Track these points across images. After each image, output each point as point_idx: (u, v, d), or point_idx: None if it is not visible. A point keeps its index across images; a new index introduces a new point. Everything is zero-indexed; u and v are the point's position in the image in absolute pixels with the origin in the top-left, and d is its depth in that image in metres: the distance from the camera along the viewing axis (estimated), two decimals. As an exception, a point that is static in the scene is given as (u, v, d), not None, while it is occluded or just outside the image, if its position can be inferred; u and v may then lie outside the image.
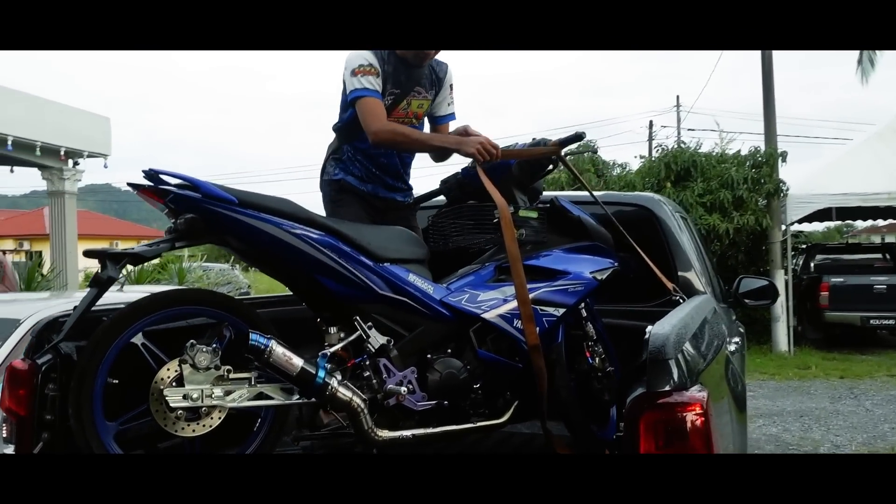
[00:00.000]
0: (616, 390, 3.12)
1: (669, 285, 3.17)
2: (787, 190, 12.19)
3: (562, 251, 2.84)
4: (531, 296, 2.68)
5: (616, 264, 2.91)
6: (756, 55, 12.92)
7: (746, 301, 4.09)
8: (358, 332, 2.46)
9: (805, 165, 12.74)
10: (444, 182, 3.04)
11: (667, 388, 1.74)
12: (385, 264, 2.53)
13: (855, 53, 15.97)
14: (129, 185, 2.35)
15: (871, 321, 12.09)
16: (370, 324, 2.46)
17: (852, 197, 12.43)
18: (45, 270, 10.73)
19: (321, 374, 2.30)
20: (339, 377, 2.39)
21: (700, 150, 12.71)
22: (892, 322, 12.08)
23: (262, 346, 2.22)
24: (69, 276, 12.49)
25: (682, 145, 13.16)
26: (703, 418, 1.67)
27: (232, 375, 2.31)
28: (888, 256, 14.03)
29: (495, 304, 2.64)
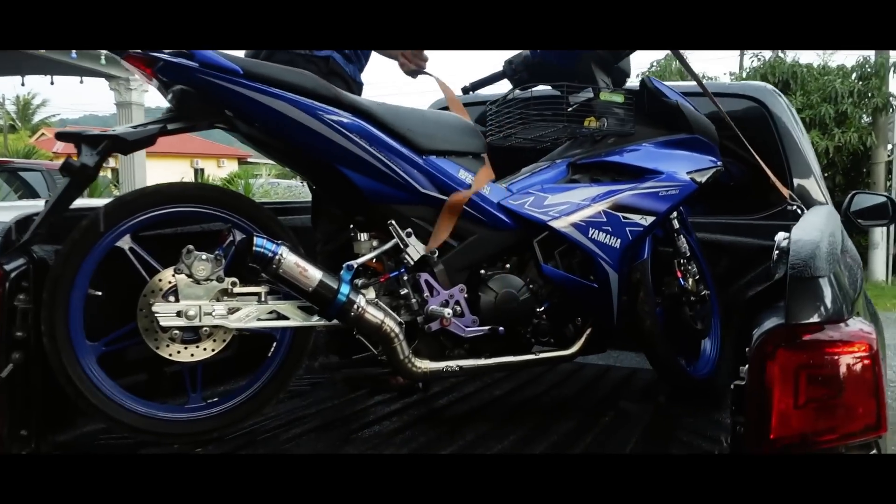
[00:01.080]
0: (711, 318, 2.59)
1: (785, 192, 2.56)
2: None
3: (653, 145, 2.27)
4: (612, 200, 2.15)
5: (720, 164, 2.33)
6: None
7: (860, 221, 3.41)
8: (394, 241, 1.98)
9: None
10: (508, 63, 2.48)
11: (815, 318, 1.21)
12: (430, 157, 2.03)
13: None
14: (113, 53, 1.89)
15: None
16: (409, 230, 1.98)
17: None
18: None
19: (345, 289, 1.84)
20: (369, 295, 1.93)
21: (800, 62, 11.57)
22: None
23: (270, 254, 1.77)
24: (137, 191, 12.47)
25: (781, 55, 11.99)
26: (870, 364, 1.14)
27: (237, 290, 1.88)
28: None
29: (567, 209, 2.11)
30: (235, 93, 1.80)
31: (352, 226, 2.11)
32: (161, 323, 1.81)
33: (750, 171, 2.64)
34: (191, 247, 1.85)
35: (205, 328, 1.86)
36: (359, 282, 1.97)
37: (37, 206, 2.18)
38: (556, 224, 2.10)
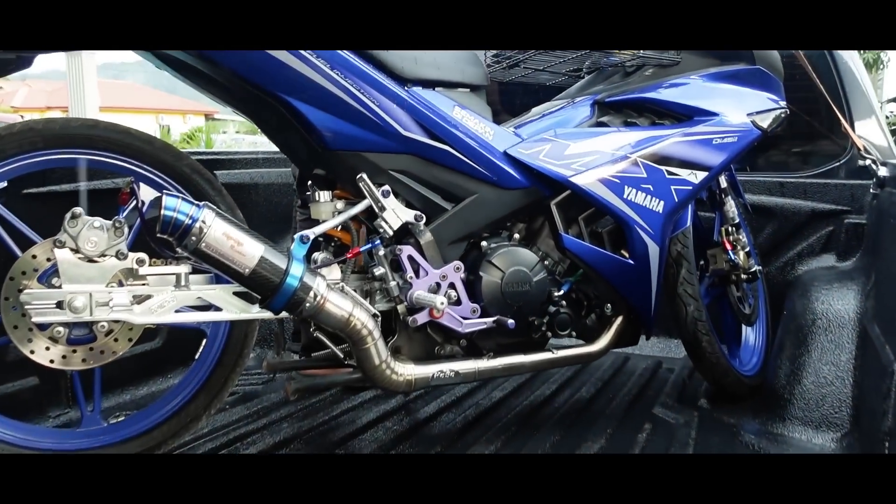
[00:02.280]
0: (758, 300, 2.10)
1: (860, 142, 2.06)
2: (889, 61, 10.67)
3: (704, 78, 1.75)
4: (653, 149, 1.64)
5: (784, 106, 1.82)
6: None
7: None
8: (365, 202, 1.45)
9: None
10: None
11: None
12: (415, 88, 1.49)
13: None
14: None
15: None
16: (386, 187, 1.45)
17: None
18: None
19: (296, 270, 1.31)
20: (332, 276, 1.41)
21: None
22: None
23: (187, 220, 1.24)
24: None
25: None
26: None
27: (146, 270, 1.34)
28: None
29: (595, 161, 1.60)
30: None
31: (309, 182, 1.58)
32: (35, 318, 1.27)
33: (799, 116, 2.14)
34: (78, 210, 1.31)
35: (100, 324, 1.33)
36: (318, 258, 1.45)
37: None
38: (580, 181, 1.58)
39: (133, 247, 1.36)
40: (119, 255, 1.33)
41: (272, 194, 2.35)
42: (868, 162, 2.02)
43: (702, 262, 1.97)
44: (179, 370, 2.06)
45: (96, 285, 1.31)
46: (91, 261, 1.31)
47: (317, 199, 1.47)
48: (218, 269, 1.28)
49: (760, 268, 2.00)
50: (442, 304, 1.44)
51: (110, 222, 1.32)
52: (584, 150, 1.61)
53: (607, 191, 1.60)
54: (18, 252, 1.34)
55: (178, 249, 1.27)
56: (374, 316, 1.41)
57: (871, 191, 2.03)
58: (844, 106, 2.22)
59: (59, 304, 1.28)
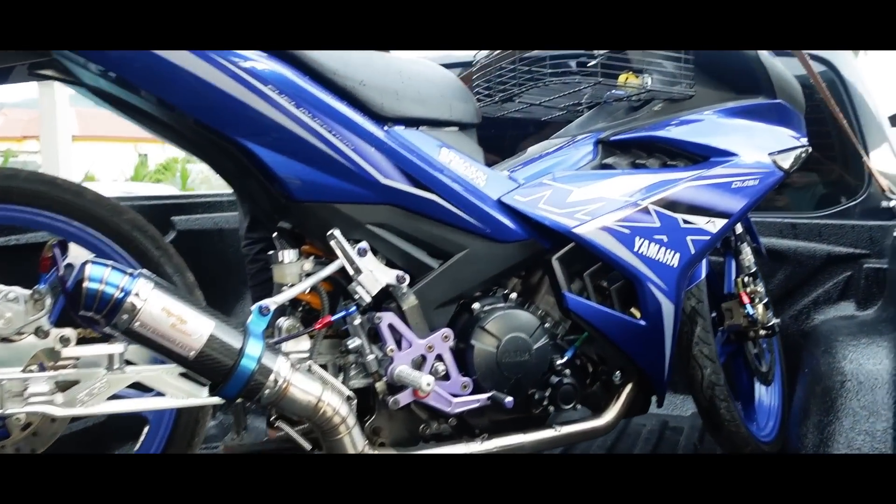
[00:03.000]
0: (775, 356, 1.91)
1: (883, 183, 1.88)
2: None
3: (720, 114, 1.56)
4: (667, 195, 1.44)
5: (807, 143, 1.64)
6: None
7: None
8: (338, 263, 1.23)
9: None
10: None
11: None
12: (396, 127, 1.28)
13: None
14: None
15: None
16: (363, 245, 1.24)
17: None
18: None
19: (253, 350, 1.10)
20: (299, 349, 1.19)
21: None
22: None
23: (117, 294, 1.01)
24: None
25: None
26: None
27: (72, 350, 1.11)
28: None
29: (601, 209, 1.40)
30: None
31: (275, 234, 1.36)
32: (-75, 414, 1.04)
33: (816, 152, 1.96)
34: None
35: (15, 416, 1.10)
36: (283, 325, 1.23)
37: None
38: (585, 232, 1.38)
39: (58, 321, 1.14)
40: (39, 333, 1.10)
41: (239, 241, 2.13)
42: (893, 203, 1.85)
43: (713, 315, 1.77)
44: (128, 446, 1.81)
45: (9, 370, 1.08)
46: (4, 340, 1.09)
47: (280, 259, 1.25)
48: (157, 351, 1.06)
49: (778, 321, 1.80)
50: (428, 385, 1.22)
51: (28, 293, 1.10)
52: (588, 196, 1.41)
53: (616, 243, 1.40)
54: None
55: (107, 330, 1.05)
56: (349, 399, 1.20)
57: (895, 234, 1.85)
58: (859, 139, 2.05)
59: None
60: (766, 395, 1.91)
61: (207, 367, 1.07)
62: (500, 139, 2.06)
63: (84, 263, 1.03)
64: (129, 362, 1.14)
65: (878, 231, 2.02)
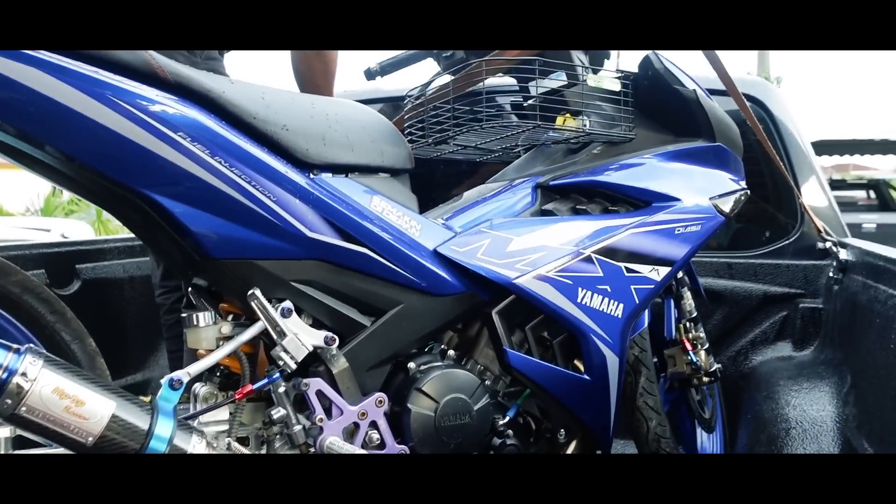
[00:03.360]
0: (717, 402, 1.87)
1: (819, 223, 1.88)
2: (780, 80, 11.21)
3: (660, 157, 1.52)
4: (609, 243, 1.38)
5: (745, 186, 1.62)
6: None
7: None
8: (259, 324, 1.12)
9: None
10: None
11: None
12: (323, 175, 1.18)
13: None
14: None
15: (861, 260, 11.23)
16: (287, 305, 1.13)
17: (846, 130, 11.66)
18: None
19: (163, 430, 0.97)
20: (218, 420, 1.07)
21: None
22: (880, 263, 11.29)
23: (0, 375, 0.88)
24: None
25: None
26: None
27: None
28: (872, 194, 13.18)
29: (542, 259, 1.32)
30: None
31: (189, 289, 1.24)
32: None
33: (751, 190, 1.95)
34: None
35: None
36: (199, 392, 1.11)
37: None
38: (526, 284, 1.30)
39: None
40: None
41: (152, 289, 1.97)
42: (829, 244, 1.84)
43: (655, 361, 1.72)
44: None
45: None
46: None
47: (195, 322, 1.13)
48: (49, 439, 0.92)
49: (720, 366, 1.76)
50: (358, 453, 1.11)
51: None
52: (529, 245, 1.33)
53: (559, 294, 1.32)
54: None
55: (-9, 415, 0.91)
56: (273, 477, 1.07)
57: (832, 274, 1.84)
58: (792, 177, 2.05)
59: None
60: (707, 442, 1.87)
61: (109, 454, 0.93)
62: (432, 181, 1.98)
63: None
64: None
65: (813, 270, 2.02)
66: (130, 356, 2.00)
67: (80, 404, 0.91)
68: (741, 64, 12.22)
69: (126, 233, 2.09)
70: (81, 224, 6.58)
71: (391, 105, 2.37)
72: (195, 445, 0.99)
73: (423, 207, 1.38)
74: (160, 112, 1.01)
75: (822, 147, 13.49)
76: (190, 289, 1.24)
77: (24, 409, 0.88)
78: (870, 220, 11.47)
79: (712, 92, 1.68)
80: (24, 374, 0.88)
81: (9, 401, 0.88)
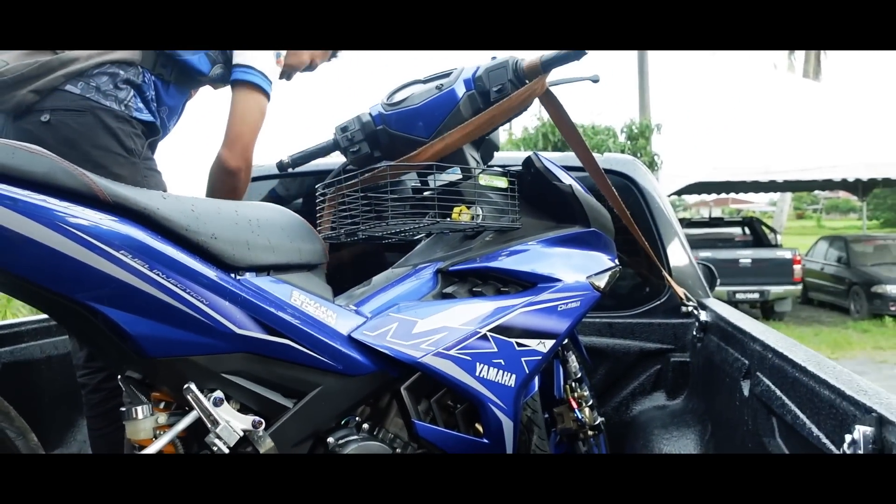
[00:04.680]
0: (605, 447, 2.09)
1: (680, 291, 2.15)
2: (662, 163, 11.86)
3: (542, 243, 1.74)
4: (502, 321, 1.58)
5: (618, 264, 1.86)
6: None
7: None
8: (194, 413, 1.25)
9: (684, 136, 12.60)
10: (341, 130, 1.84)
11: None
12: (247, 276, 1.33)
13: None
14: None
15: (737, 295, 12.01)
16: (217, 394, 1.26)
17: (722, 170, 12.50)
18: None
19: None
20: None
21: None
22: (756, 296, 12.10)
23: None
24: None
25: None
26: None
27: None
28: (747, 231, 14.15)
29: (445, 339, 1.50)
30: None
31: (120, 378, 1.35)
32: None
33: (624, 258, 2.20)
34: None
35: None
36: None
37: None
38: (431, 362, 1.48)
39: None
40: None
41: (69, 368, 2.03)
42: (691, 308, 2.11)
43: (546, 417, 1.92)
44: None
45: None
46: None
47: (133, 415, 1.25)
48: None
49: (602, 419, 1.99)
50: (291, 533, 1.25)
51: None
52: (431, 326, 1.51)
53: (459, 370, 1.51)
54: None
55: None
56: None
57: (695, 333, 2.11)
58: (660, 245, 2.33)
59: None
60: None
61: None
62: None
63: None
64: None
65: (681, 328, 2.29)
66: (50, 433, 2.05)
67: None
68: (626, 112, 12.85)
69: (37, 314, 2.14)
70: None
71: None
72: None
73: (336, 286, 1.54)
74: (104, 232, 1.14)
75: (704, 186, 14.48)
76: (120, 377, 1.35)
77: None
78: (745, 256, 12.36)
79: (573, 170, 1.92)
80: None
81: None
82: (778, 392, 1.27)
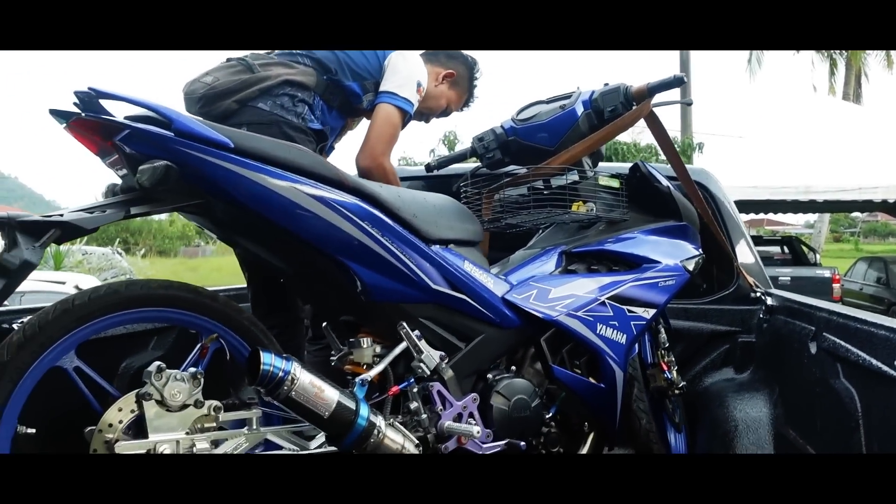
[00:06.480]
0: (682, 411, 2.49)
1: (750, 280, 2.55)
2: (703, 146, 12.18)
3: (645, 233, 2.16)
4: (616, 292, 1.99)
5: (701, 252, 2.27)
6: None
7: None
8: (403, 345, 1.68)
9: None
10: (478, 139, 2.29)
11: None
12: (435, 247, 1.77)
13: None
14: (52, 112, 1.47)
15: (776, 312, 12.18)
16: (418, 333, 1.69)
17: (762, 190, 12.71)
18: None
19: (364, 411, 1.52)
20: (384, 415, 1.61)
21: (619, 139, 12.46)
22: (795, 313, 12.26)
23: (281, 373, 1.42)
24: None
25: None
26: None
27: (225, 416, 1.49)
28: (786, 250, 14.34)
29: (573, 303, 1.92)
30: (226, 171, 1.45)
31: (325, 324, 1.80)
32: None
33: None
34: (161, 364, 1.45)
35: (177, 468, 1.45)
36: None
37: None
38: (564, 320, 1.90)
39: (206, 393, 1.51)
40: (197, 404, 1.47)
41: None
42: (759, 294, 2.50)
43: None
44: None
45: (179, 433, 1.44)
46: (173, 410, 1.45)
47: (360, 345, 1.69)
48: (301, 413, 1.46)
49: (685, 383, 2.39)
50: (478, 432, 1.67)
51: (188, 374, 1.47)
52: (563, 293, 1.93)
53: (585, 328, 1.92)
54: (98, 406, 1.45)
55: (268, 398, 1.45)
56: (417, 446, 1.63)
57: (761, 315, 2.50)
58: (727, 237, 2.73)
59: (148, 453, 1.40)
60: (676, 439, 2.47)
61: (336, 424, 1.48)
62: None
63: (255, 351, 1.43)
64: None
65: (747, 313, 2.67)
66: None
67: (322, 391, 1.46)
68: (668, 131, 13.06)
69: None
70: (90, 277, 6.96)
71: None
72: (381, 422, 1.53)
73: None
74: (355, 207, 1.58)
75: (743, 205, 14.70)
76: (325, 324, 1.79)
77: (293, 393, 1.42)
78: (785, 274, 12.56)
79: (669, 179, 2.34)
80: (293, 373, 1.43)
81: (285, 388, 1.41)
82: (842, 343, 1.66)
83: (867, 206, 15.04)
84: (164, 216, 13.23)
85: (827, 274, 12.20)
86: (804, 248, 13.98)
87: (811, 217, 24.21)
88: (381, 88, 2.23)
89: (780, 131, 13.98)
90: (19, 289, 1.38)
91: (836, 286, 12.15)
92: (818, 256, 14.51)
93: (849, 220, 48.09)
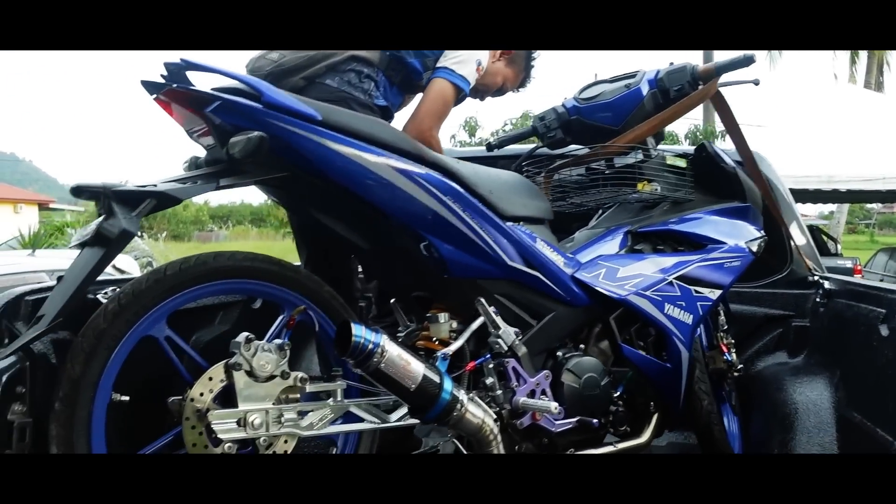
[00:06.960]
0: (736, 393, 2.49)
1: (809, 263, 2.53)
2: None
3: (710, 213, 2.15)
4: (683, 272, 1.99)
5: (764, 234, 2.25)
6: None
7: None
8: (480, 321, 1.68)
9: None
10: (539, 118, 2.28)
11: None
12: (510, 224, 1.77)
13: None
14: (143, 84, 1.48)
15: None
16: (494, 309, 1.70)
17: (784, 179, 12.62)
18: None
19: (448, 385, 1.52)
20: (465, 389, 1.62)
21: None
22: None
23: (371, 346, 1.42)
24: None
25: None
26: None
27: (312, 387, 1.50)
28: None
29: (642, 283, 1.92)
30: (316, 145, 1.46)
31: (392, 300, 1.80)
32: (222, 435, 1.39)
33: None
34: (249, 335, 1.46)
35: (261, 438, 1.46)
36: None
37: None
38: (633, 299, 1.90)
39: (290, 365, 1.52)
40: (283, 375, 1.48)
41: None
42: (816, 277, 2.49)
43: None
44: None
45: (267, 403, 1.45)
46: (261, 381, 1.46)
47: (438, 320, 1.69)
48: (388, 385, 1.47)
49: (742, 365, 2.39)
50: (556, 408, 1.68)
51: (275, 345, 1.48)
52: (631, 273, 1.93)
53: (653, 307, 1.92)
54: (188, 375, 1.46)
55: (356, 369, 1.45)
56: (496, 421, 1.63)
57: (818, 300, 2.49)
58: (780, 219, 2.71)
59: (240, 422, 1.42)
60: (732, 422, 2.47)
61: (421, 396, 1.48)
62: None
63: (346, 323, 1.43)
64: (341, 397, 1.54)
65: (801, 297, 2.66)
66: None
67: (409, 364, 1.46)
68: (691, 118, 13.11)
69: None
70: (128, 258, 7.05)
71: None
72: (463, 396, 1.54)
73: None
74: (436, 181, 1.59)
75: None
76: (393, 301, 1.80)
77: (382, 365, 1.43)
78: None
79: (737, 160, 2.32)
80: (383, 345, 1.43)
81: (375, 360, 1.42)
82: None
83: (890, 195, 14.91)
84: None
85: (849, 264, 12.13)
86: (825, 237, 13.89)
87: (825, 208, 24.05)
88: (440, 64, 2.21)
89: (802, 120, 13.86)
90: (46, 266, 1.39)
91: (857, 277, 12.10)
92: (839, 246, 14.42)
93: (864, 212, 47.71)
